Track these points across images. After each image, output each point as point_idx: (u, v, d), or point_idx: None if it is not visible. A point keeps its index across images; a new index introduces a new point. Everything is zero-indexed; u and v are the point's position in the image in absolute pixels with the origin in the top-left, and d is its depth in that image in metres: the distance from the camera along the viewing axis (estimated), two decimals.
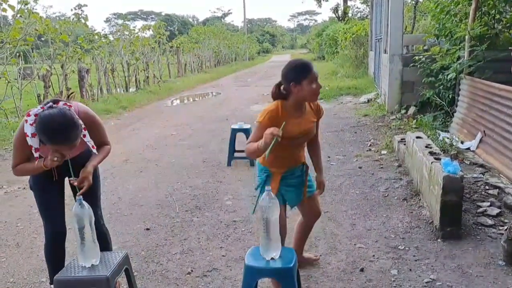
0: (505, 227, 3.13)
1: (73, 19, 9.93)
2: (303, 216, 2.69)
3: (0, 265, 3.06)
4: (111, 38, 13.51)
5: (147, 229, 3.56)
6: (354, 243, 3.16)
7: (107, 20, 74.10)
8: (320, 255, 2.98)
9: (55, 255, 2.43)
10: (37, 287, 2.76)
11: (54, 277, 2.04)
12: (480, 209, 3.48)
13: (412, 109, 7.19)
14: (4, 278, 2.87)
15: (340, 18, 26.77)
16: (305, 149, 2.52)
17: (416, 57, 7.04)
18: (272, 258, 2.00)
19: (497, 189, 3.80)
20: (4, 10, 7.68)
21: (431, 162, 3.39)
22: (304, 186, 2.48)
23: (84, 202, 2.02)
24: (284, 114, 2.24)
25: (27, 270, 2.97)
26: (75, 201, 2.07)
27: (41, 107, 2.04)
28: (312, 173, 2.58)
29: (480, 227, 3.24)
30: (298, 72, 2.21)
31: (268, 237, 1.97)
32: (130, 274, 2.28)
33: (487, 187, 3.88)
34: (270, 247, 1.99)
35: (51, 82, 8.96)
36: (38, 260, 3.08)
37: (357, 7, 25.31)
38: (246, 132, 5.28)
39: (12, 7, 7.60)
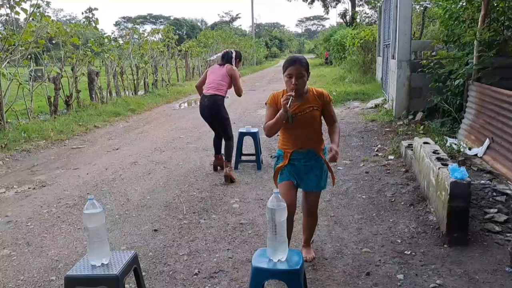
0: None
1: (83, 22, 10.06)
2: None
3: (10, 263, 3.11)
4: (121, 42, 13.64)
5: (155, 230, 3.60)
6: (360, 247, 3.17)
7: (117, 24, 74.67)
8: (326, 259, 3.00)
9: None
10: (47, 286, 2.80)
11: (65, 275, 2.08)
12: (487, 216, 3.47)
13: (419, 115, 7.18)
14: (15, 276, 2.92)
15: (348, 24, 26.80)
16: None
17: (424, 61, 7.04)
18: (279, 260, 2.02)
19: (505, 196, 3.79)
20: (17, 13, 7.82)
21: (439, 168, 3.39)
22: (313, 173, 2.75)
23: (95, 202, 2.06)
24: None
25: (37, 268, 3.02)
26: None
27: None
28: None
29: (487, 234, 3.23)
30: (283, 66, 2.66)
31: (275, 239, 1.99)
32: (139, 274, 2.31)
33: (494, 194, 3.87)
34: (277, 249, 2.02)
35: (62, 85, 9.07)
36: (48, 259, 3.14)
37: (365, 13, 25.28)
38: (254, 135, 5.31)
39: (25, 11, 7.74)
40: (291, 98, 2.50)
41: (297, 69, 2.58)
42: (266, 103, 2.77)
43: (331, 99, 2.79)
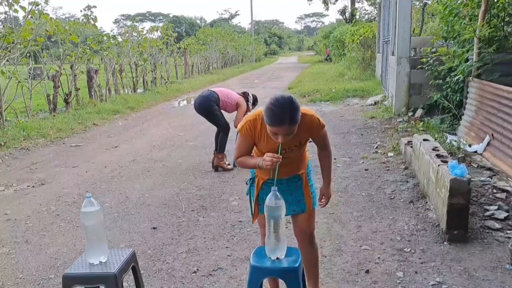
0: None
1: (82, 20, 10.02)
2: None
3: (9, 261, 3.10)
4: (120, 39, 13.60)
5: (154, 228, 3.59)
6: (359, 245, 3.16)
7: (116, 21, 74.64)
8: (325, 256, 2.99)
9: None
10: (46, 284, 2.79)
11: (63, 274, 2.07)
12: (488, 213, 3.46)
13: (419, 112, 7.17)
14: (14, 274, 2.92)
15: (348, 20, 26.73)
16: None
17: (424, 59, 7.02)
18: (277, 258, 2.01)
19: (505, 193, 3.78)
20: (16, 11, 7.79)
21: (438, 165, 3.38)
22: (292, 197, 2.30)
23: (93, 200, 2.05)
24: (264, 127, 2.08)
25: (36, 266, 3.01)
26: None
27: None
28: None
29: (487, 231, 3.23)
30: (265, 115, 2.00)
31: (274, 237, 1.98)
32: (137, 272, 2.30)
33: (494, 191, 3.85)
34: (275, 247, 2.00)
35: (61, 82, 9.05)
36: (46, 257, 3.13)
37: (364, 9, 25.20)
38: None
39: (23, 8, 7.71)
40: (278, 164, 2.02)
41: (287, 130, 1.97)
42: (238, 132, 2.20)
43: (323, 126, 2.21)
